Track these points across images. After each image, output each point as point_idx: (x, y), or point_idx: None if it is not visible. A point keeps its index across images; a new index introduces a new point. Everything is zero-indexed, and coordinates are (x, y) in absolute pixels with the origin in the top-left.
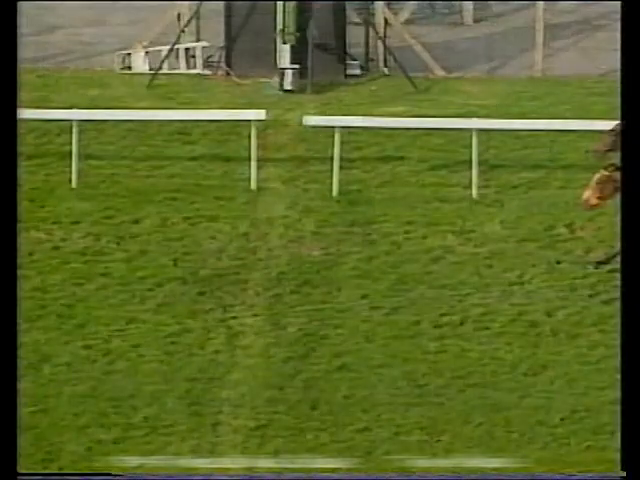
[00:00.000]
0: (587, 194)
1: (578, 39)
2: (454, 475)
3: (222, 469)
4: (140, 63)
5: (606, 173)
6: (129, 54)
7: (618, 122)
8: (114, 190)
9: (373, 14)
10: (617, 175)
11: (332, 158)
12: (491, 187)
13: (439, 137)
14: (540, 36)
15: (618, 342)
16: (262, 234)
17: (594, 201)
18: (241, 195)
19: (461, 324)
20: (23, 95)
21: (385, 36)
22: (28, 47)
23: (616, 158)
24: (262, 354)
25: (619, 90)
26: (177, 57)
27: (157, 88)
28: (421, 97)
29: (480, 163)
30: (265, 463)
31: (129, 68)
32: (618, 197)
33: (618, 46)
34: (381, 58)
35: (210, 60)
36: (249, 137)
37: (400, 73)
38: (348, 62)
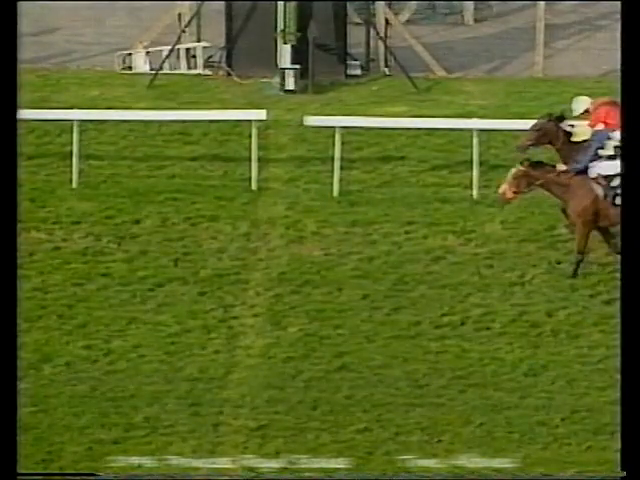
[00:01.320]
0: (503, 188)
1: (579, 39)
2: (454, 475)
3: (222, 469)
4: (141, 63)
5: (522, 168)
6: (130, 54)
7: (538, 119)
8: (115, 190)
9: (374, 14)
10: (531, 170)
11: (333, 158)
12: (492, 187)
13: (440, 137)
14: (541, 36)
15: (618, 342)
16: (263, 234)
17: (510, 195)
18: (242, 195)
19: (462, 324)
20: (23, 95)
21: (386, 36)
22: (28, 47)
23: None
24: (263, 354)
25: (619, 90)
26: (178, 57)
27: (158, 88)
28: (422, 97)
29: (481, 163)
30: (266, 463)
31: (130, 68)
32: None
33: (618, 46)
34: (382, 58)
35: (211, 60)
36: (250, 137)
37: (401, 73)
38: (349, 62)
